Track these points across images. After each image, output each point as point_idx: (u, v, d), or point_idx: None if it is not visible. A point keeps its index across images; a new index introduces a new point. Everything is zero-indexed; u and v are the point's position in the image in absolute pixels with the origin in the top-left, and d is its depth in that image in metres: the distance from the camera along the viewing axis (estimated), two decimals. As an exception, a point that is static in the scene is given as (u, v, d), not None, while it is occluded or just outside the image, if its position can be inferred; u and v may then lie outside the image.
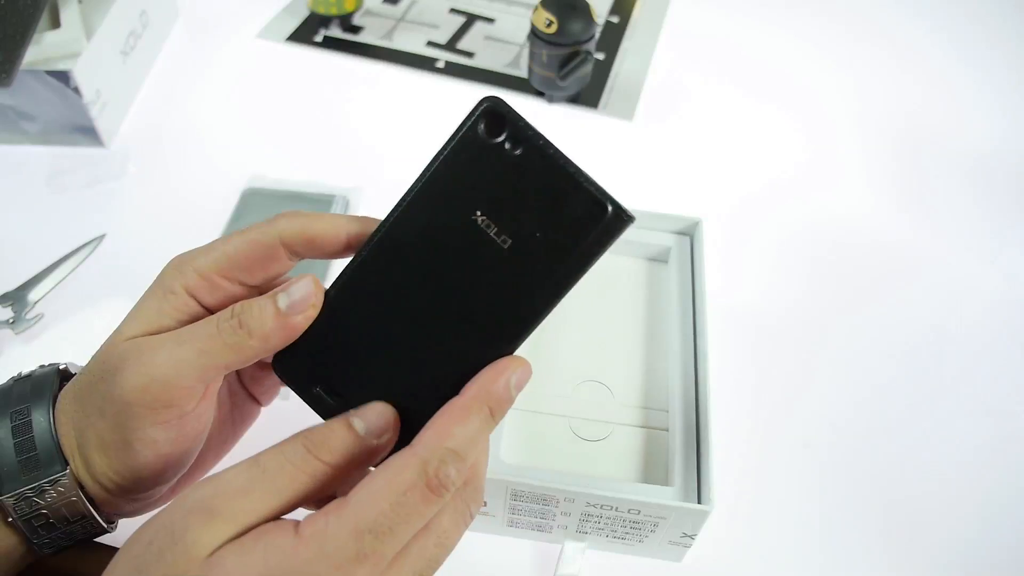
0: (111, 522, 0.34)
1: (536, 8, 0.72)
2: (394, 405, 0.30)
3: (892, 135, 0.77)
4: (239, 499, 0.27)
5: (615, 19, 0.89)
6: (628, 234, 0.30)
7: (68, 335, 0.58)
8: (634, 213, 0.29)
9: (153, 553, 0.26)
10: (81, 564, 0.34)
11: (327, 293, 0.32)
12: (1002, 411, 0.57)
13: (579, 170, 0.28)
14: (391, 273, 0.31)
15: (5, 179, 0.68)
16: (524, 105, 0.78)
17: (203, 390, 0.32)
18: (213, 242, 0.33)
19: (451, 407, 0.29)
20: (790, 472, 0.53)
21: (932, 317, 0.63)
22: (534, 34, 0.73)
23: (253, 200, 0.66)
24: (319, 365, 0.32)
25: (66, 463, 0.31)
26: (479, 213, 0.29)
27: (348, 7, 0.84)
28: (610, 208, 0.28)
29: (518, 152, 0.29)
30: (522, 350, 0.31)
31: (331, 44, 0.84)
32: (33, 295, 0.58)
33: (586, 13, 0.72)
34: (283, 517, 0.28)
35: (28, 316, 0.57)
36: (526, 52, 0.80)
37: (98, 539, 0.34)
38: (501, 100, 0.29)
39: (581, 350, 0.52)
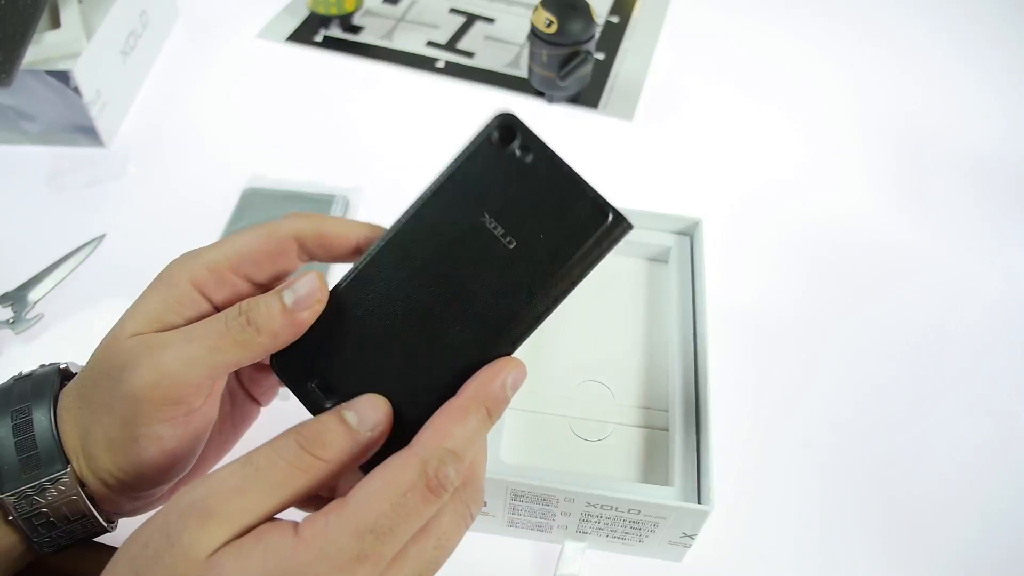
0: (111, 521, 0.34)
1: (536, 8, 0.72)
2: (392, 403, 0.31)
3: (892, 135, 0.77)
4: (234, 499, 0.26)
5: (615, 19, 0.89)
6: (628, 233, 0.31)
7: (68, 335, 0.58)
8: (634, 212, 0.29)
9: (149, 556, 0.26)
10: (81, 564, 0.34)
11: (331, 291, 0.32)
12: (1002, 411, 0.57)
13: (583, 179, 0.30)
14: (395, 272, 0.32)
15: (5, 179, 0.68)
16: (524, 105, 0.78)
17: (211, 387, 0.32)
18: (222, 239, 0.34)
19: (449, 407, 0.29)
20: (790, 472, 0.53)
21: (932, 317, 0.63)
22: (534, 34, 0.73)
23: (253, 200, 0.66)
24: (318, 362, 0.32)
25: (67, 462, 0.31)
26: (487, 215, 0.31)
27: (348, 7, 0.84)
28: (611, 214, 0.30)
29: (527, 161, 0.31)
30: (522, 350, 0.31)
31: (331, 44, 0.84)
32: (33, 295, 0.58)
33: (586, 13, 0.72)
34: (278, 517, 0.28)
35: (28, 316, 0.57)
36: (526, 52, 0.80)
37: (98, 539, 0.34)
38: (514, 115, 0.31)
39: (581, 350, 0.52)
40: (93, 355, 0.33)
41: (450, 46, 0.84)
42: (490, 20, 0.88)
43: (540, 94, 0.78)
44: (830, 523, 0.51)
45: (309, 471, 0.28)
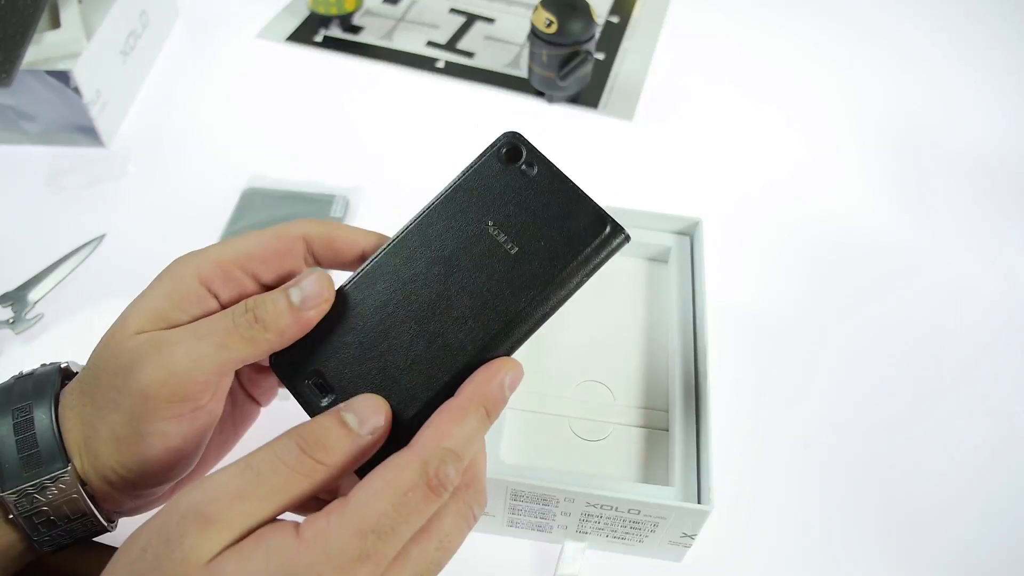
0: (111, 520, 0.34)
1: (536, 8, 0.72)
2: (390, 404, 0.31)
3: (892, 135, 0.77)
4: (235, 504, 0.26)
5: (615, 19, 0.89)
6: (626, 245, 0.32)
7: (68, 335, 0.58)
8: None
9: (149, 560, 0.26)
10: (80, 564, 0.34)
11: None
12: (1002, 411, 0.57)
13: (584, 192, 0.32)
14: (397, 275, 0.32)
15: (5, 179, 0.68)
16: (524, 105, 0.78)
17: (217, 384, 0.32)
18: (229, 239, 0.34)
19: (448, 407, 0.29)
20: (790, 472, 0.53)
21: (932, 317, 0.63)
22: (534, 34, 0.73)
23: (253, 200, 0.66)
24: (316, 361, 0.32)
25: (68, 460, 0.31)
26: (490, 223, 0.32)
27: (348, 7, 0.84)
28: (609, 225, 0.31)
29: (532, 174, 0.32)
30: (523, 350, 0.31)
31: (331, 44, 0.84)
32: (33, 295, 0.58)
33: (586, 13, 0.72)
34: (279, 518, 0.28)
35: (28, 316, 0.57)
36: (526, 52, 0.80)
37: (98, 539, 0.34)
38: (521, 134, 0.33)
39: (581, 350, 0.52)
40: (95, 352, 0.33)
41: (450, 46, 0.84)
42: (490, 20, 0.88)
43: (540, 94, 0.78)
44: (830, 523, 0.51)
45: (310, 475, 0.28)
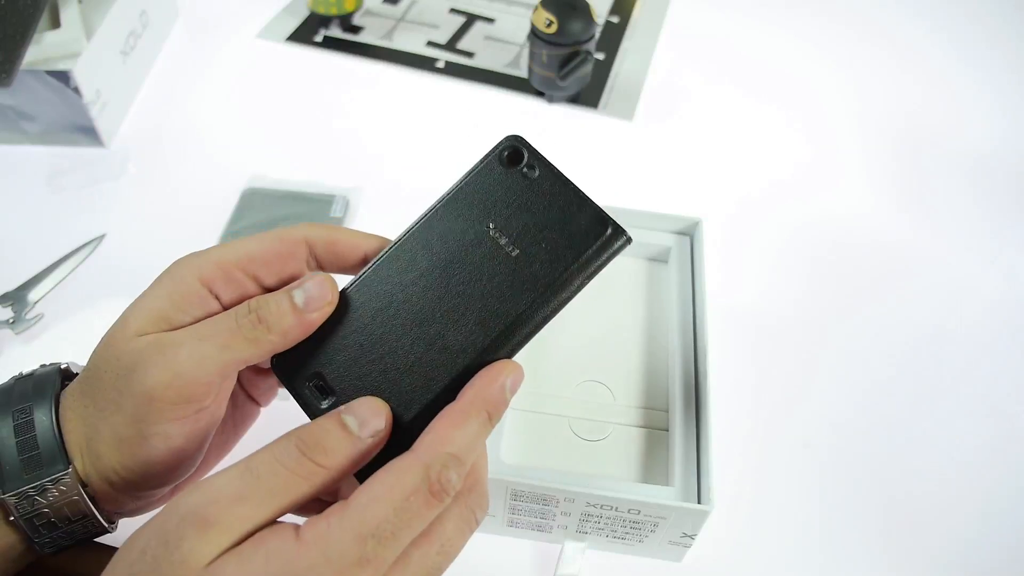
0: (112, 521, 0.34)
1: (536, 8, 0.72)
2: (391, 407, 0.31)
3: (892, 135, 0.77)
4: (234, 507, 0.26)
5: (615, 19, 0.89)
6: (628, 232, 0.31)
7: (68, 335, 0.58)
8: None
9: (148, 562, 0.26)
10: (81, 564, 0.34)
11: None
12: (1002, 411, 0.57)
13: (586, 194, 0.32)
14: (399, 277, 0.32)
15: (5, 179, 0.68)
16: (524, 105, 0.78)
17: (220, 385, 0.32)
18: (232, 241, 0.34)
19: (450, 411, 0.29)
20: (790, 472, 0.53)
21: (932, 317, 0.63)
22: (534, 34, 0.73)
23: (253, 200, 0.66)
24: (317, 363, 0.32)
25: (68, 462, 0.31)
26: (491, 226, 0.32)
27: (348, 7, 0.84)
28: (610, 227, 0.31)
29: (533, 177, 0.32)
30: (523, 350, 0.31)
31: (331, 44, 0.84)
32: (33, 295, 0.58)
33: (586, 13, 0.72)
34: (279, 520, 0.28)
35: (28, 316, 0.57)
36: (526, 52, 0.80)
37: (98, 539, 0.34)
38: (523, 138, 0.33)
39: (581, 350, 0.52)
40: (96, 353, 0.33)
41: (450, 46, 0.84)
42: (490, 20, 0.88)
43: (540, 94, 0.78)
44: (830, 523, 0.51)
45: (310, 478, 0.28)
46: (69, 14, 0.67)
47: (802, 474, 0.53)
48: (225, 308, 0.33)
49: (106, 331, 0.33)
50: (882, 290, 0.64)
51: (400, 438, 0.30)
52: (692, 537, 0.45)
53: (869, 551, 0.50)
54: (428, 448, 0.28)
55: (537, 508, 0.45)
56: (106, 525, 0.33)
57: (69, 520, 0.32)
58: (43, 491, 0.31)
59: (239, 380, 0.37)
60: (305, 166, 0.70)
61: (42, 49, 0.64)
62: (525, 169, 0.33)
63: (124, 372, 0.31)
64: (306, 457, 0.28)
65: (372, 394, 0.31)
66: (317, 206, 0.66)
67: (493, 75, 0.81)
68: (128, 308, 0.33)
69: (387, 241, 0.34)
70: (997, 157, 0.76)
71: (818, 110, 0.80)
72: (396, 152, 0.73)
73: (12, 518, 0.31)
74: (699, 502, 0.44)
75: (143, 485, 0.32)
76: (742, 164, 0.74)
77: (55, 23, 0.67)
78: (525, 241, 0.31)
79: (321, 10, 0.84)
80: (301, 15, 0.87)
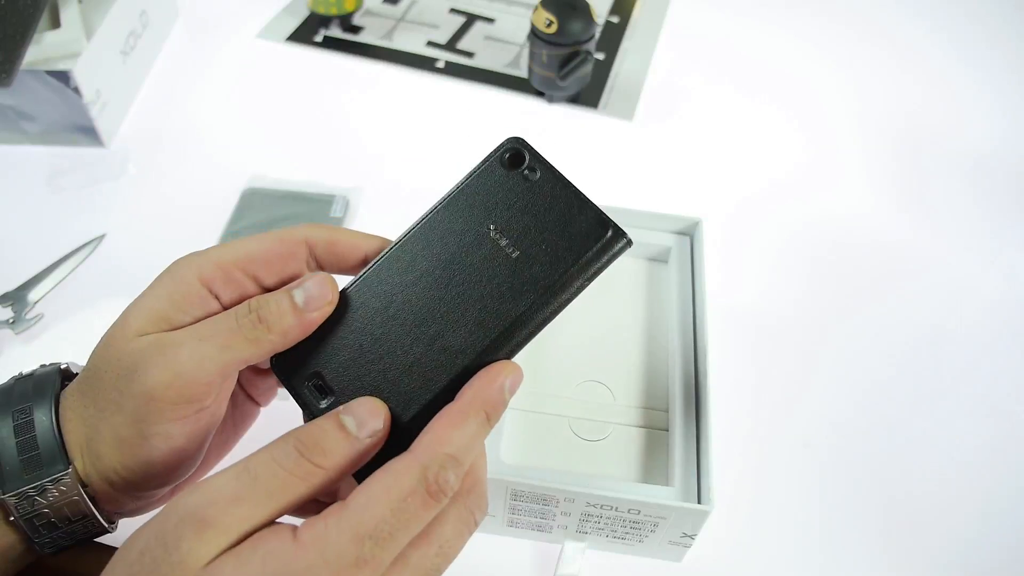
0: (112, 521, 0.34)
1: (536, 8, 0.72)
2: (389, 407, 0.31)
3: (892, 135, 0.77)
4: (232, 508, 0.26)
5: (615, 19, 0.89)
6: (629, 233, 0.31)
7: (68, 335, 0.58)
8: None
9: (147, 564, 0.26)
10: (81, 564, 0.34)
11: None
12: (1002, 411, 0.57)
13: (587, 197, 0.32)
14: (399, 278, 0.33)
15: (5, 179, 0.68)
16: (524, 105, 0.78)
17: (220, 385, 0.32)
18: (232, 241, 0.34)
19: (449, 412, 0.29)
20: (790, 472, 0.53)
21: (932, 317, 0.63)
22: (534, 34, 0.73)
23: (253, 200, 0.66)
24: (317, 363, 0.32)
25: (68, 462, 0.31)
26: (492, 227, 0.32)
27: (348, 7, 0.84)
28: (611, 229, 0.31)
29: (534, 179, 0.33)
30: (523, 350, 0.31)
31: (331, 44, 0.84)
32: (33, 295, 0.58)
33: (586, 13, 0.72)
34: (277, 521, 0.28)
35: (28, 316, 0.57)
36: (526, 52, 0.80)
37: (98, 539, 0.34)
38: (524, 140, 0.33)
39: (581, 350, 0.52)
40: (95, 353, 0.33)
41: (450, 46, 0.84)
42: (490, 20, 0.88)
43: (540, 94, 0.78)
44: (830, 523, 0.51)
45: (308, 479, 0.28)
46: (69, 14, 0.67)
47: (802, 474, 0.53)
48: (225, 308, 0.33)
49: (106, 331, 0.33)
50: (882, 290, 0.64)
51: (399, 438, 0.30)
52: (692, 537, 0.45)
53: (869, 551, 0.50)
54: (426, 449, 0.28)
55: (537, 508, 0.45)
56: (106, 525, 0.33)
57: (69, 520, 0.32)
58: (43, 491, 0.31)
59: (239, 380, 0.37)
60: (305, 166, 0.70)
61: (42, 49, 0.64)
62: (526, 171, 0.33)
63: (124, 372, 0.31)
64: (304, 458, 0.28)
65: (371, 394, 0.31)
66: (317, 206, 0.66)
67: (493, 75, 0.81)
68: (128, 308, 0.32)
69: (387, 242, 0.34)
70: (997, 157, 0.76)
71: (818, 110, 0.80)
72: (396, 152, 0.73)
73: (12, 518, 0.31)
74: (699, 502, 0.44)
75: (143, 485, 0.32)
76: (742, 164, 0.74)
77: (55, 23, 0.67)
78: (525, 243, 0.31)
79: (321, 10, 0.84)
80: (301, 15, 0.87)
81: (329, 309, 0.32)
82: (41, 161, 0.69)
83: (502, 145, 0.33)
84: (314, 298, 0.31)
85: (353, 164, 0.71)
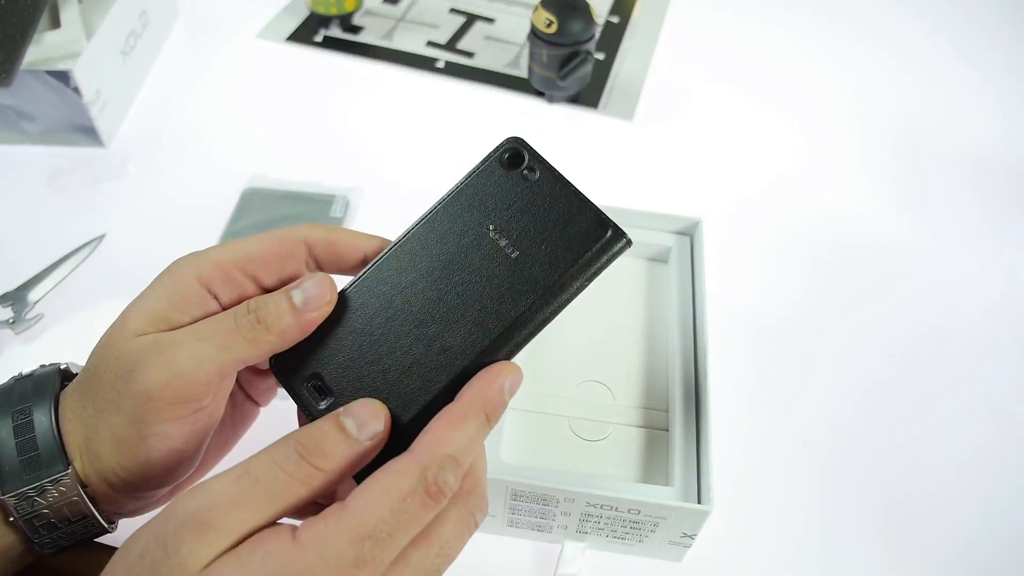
0: (112, 522, 0.34)
1: (536, 8, 0.72)
2: (389, 408, 0.31)
3: (892, 135, 0.77)
4: (232, 510, 0.26)
5: (615, 19, 0.89)
6: (629, 233, 0.31)
7: (68, 335, 0.58)
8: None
9: (146, 566, 0.26)
10: (81, 564, 0.34)
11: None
12: (1002, 411, 0.57)
13: (586, 197, 0.32)
14: (398, 278, 0.32)
15: (5, 179, 0.68)
16: (524, 105, 0.78)
17: (219, 385, 0.32)
18: (231, 241, 0.34)
19: (448, 413, 0.29)
20: (790, 472, 0.53)
21: (932, 317, 0.63)
22: (534, 34, 0.73)
23: (253, 200, 0.66)
24: (316, 363, 0.32)
25: (68, 463, 0.31)
26: (491, 228, 0.32)
27: (348, 7, 0.84)
28: (610, 229, 0.31)
29: (534, 179, 0.33)
30: (523, 350, 0.31)
31: (331, 44, 0.84)
32: (33, 295, 0.58)
33: (586, 13, 0.72)
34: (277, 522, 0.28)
35: (28, 316, 0.57)
36: (526, 52, 0.80)
37: (98, 539, 0.34)
38: (523, 140, 0.33)
39: (581, 350, 0.52)
40: (95, 353, 0.33)
41: (450, 46, 0.84)
42: (490, 20, 0.88)
43: (540, 94, 0.78)
44: (830, 523, 0.51)
45: (308, 481, 0.28)
46: (69, 14, 0.67)
47: (802, 474, 0.53)
48: (224, 308, 0.33)
49: (105, 331, 0.33)
50: (882, 290, 0.64)
51: (398, 439, 0.30)
52: (692, 537, 0.45)
53: (869, 551, 0.50)
54: (425, 449, 0.28)
55: (537, 508, 0.45)
56: (106, 526, 0.33)
57: (69, 521, 0.32)
58: (43, 492, 0.31)
59: (238, 380, 0.37)
60: (305, 166, 0.70)
61: (42, 49, 0.64)
62: (525, 171, 0.33)
63: (123, 372, 0.31)
64: (304, 460, 0.28)
65: (370, 395, 0.31)
66: (317, 206, 0.66)
67: (493, 75, 0.81)
68: (127, 308, 0.32)
69: (387, 242, 0.34)
70: (997, 157, 0.76)
71: (818, 110, 0.80)
72: (396, 152, 0.73)
73: (12, 519, 0.31)
74: (699, 502, 0.44)
75: (142, 485, 0.32)
76: (742, 164, 0.74)
77: (55, 23, 0.67)
78: (525, 243, 0.31)
79: (321, 10, 0.84)
80: (301, 15, 0.87)
81: (328, 309, 0.32)
82: (41, 161, 0.69)
83: (501, 145, 0.33)
84: (313, 298, 0.31)
85: (353, 164, 0.71)
